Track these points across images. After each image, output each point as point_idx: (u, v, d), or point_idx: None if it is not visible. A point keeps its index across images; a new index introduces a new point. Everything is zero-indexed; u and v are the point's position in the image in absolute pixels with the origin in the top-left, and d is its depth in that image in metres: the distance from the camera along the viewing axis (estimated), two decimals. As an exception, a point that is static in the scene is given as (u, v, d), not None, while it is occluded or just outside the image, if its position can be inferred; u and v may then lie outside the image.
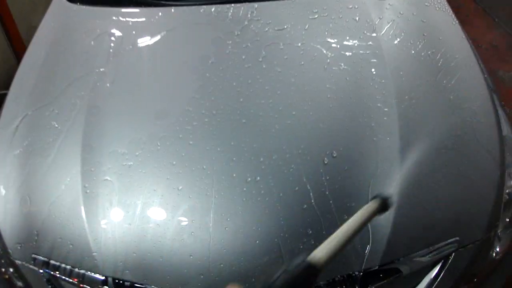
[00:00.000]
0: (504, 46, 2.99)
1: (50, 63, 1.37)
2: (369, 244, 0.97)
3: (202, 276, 0.95)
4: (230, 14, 1.38)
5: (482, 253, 1.07)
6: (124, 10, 1.46)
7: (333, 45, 1.29)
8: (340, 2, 1.40)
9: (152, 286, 0.97)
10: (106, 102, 1.23)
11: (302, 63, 1.25)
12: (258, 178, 1.04)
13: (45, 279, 1.06)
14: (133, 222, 1.02)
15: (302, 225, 0.98)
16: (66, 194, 1.08)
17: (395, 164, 1.06)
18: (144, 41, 1.36)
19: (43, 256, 1.05)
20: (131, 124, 1.18)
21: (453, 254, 1.02)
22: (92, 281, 1.00)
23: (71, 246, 1.03)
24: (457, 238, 1.02)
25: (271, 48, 1.28)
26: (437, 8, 1.45)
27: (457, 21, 1.42)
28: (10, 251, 1.09)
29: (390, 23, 1.36)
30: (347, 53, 1.27)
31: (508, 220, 1.12)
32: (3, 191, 1.14)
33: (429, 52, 1.29)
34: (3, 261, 1.12)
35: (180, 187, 1.04)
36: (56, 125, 1.21)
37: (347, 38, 1.30)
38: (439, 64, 1.26)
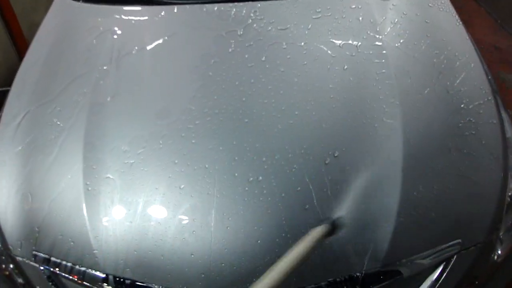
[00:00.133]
0: (506, 48, 2.99)
1: (52, 61, 1.37)
2: (370, 246, 0.97)
3: (203, 275, 0.95)
4: (233, 13, 1.38)
5: (484, 255, 1.06)
6: (126, 8, 1.46)
7: (336, 45, 1.28)
8: (343, 2, 1.40)
9: (153, 285, 0.96)
10: (108, 100, 1.22)
11: (305, 63, 1.24)
12: (260, 177, 1.04)
13: (45, 276, 1.06)
14: (134, 220, 1.02)
15: (304, 226, 0.98)
16: (67, 192, 1.08)
17: (397, 165, 1.06)
18: (147, 40, 1.36)
19: (43, 253, 1.05)
20: (133, 122, 1.17)
21: (455, 256, 1.02)
22: (93, 279, 1.00)
23: (72, 243, 1.03)
24: (459, 240, 1.02)
25: (274, 48, 1.28)
26: (441, 9, 1.44)
27: (461, 22, 1.42)
28: (10, 247, 1.09)
29: (394, 23, 1.35)
30: (350, 53, 1.26)
31: (510, 222, 1.12)
32: (5, 188, 1.14)
33: (433, 53, 1.29)
34: (3, 257, 1.12)
35: (182, 186, 1.04)
36: (58, 123, 1.21)
37: (351, 38, 1.30)
38: (443, 65, 1.26)
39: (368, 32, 1.31)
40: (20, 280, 1.10)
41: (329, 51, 1.27)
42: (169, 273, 0.97)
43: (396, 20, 1.36)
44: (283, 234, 0.97)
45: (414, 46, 1.30)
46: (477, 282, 1.09)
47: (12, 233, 1.09)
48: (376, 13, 1.37)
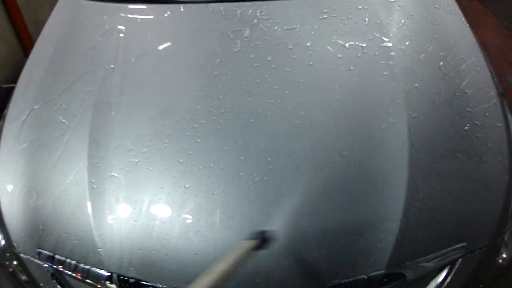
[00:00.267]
0: (511, 50, 2.97)
1: (58, 58, 1.37)
2: (375, 248, 0.97)
3: (207, 275, 0.95)
4: (239, 12, 1.37)
5: (489, 259, 1.06)
6: (132, 6, 1.46)
7: (343, 46, 1.28)
8: (350, 3, 1.39)
9: (157, 284, 0.97)
10: (113, 98, 1.22)
11: (311, 63, 1.24)
12: (265, 178, 1.04)
13: (49, 274, 1.07)
14: (139, 219, 1.02)
15: (309, 226, 0.97)
16: (72, 189, 1.09)
17: (402, 168, 1.05)
18: (152, 39, 1.36)
19: (48, 251, 1.05)
20: (138, 120, 1.17)
21: (460, 259, 1.02)
22: (97, 277, 1.00)
23: (76, 241, 1.03)
24: (464, 243, 1.01)
25: (280, 48, 1.28)
26: (447, 11, 1.43)
27: (467, 24, 1.41)
28: (15, 244, 1.09)
29: (400, 24, 1.35)
30: (356, 54, 1.26)
31: (515, 226, 1.12)
32: (9, 185, 1.14)
33: (439, 55, 1.28)
34: (7, 254, 1.12)
35: (187, 185, 1.04)
36: (63, 120, 1.21)
37: (357, 39, 1.29)
38: (449, 67, 1.25)
39: (374, 33, 1.31)
40: (24, 278, 1.11)
41: (335, 52, 1.26)
42: (173, 272, 0.97)
43: (403, 21, 1.36)
44: (288, 234, 0.97)
45: (420, 47, 1.29)
46: (482, 286, 1.08)
47: (16, 231, 1.10)
48: (382, 14, 1.36)
